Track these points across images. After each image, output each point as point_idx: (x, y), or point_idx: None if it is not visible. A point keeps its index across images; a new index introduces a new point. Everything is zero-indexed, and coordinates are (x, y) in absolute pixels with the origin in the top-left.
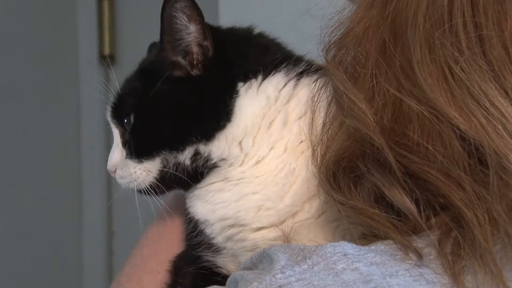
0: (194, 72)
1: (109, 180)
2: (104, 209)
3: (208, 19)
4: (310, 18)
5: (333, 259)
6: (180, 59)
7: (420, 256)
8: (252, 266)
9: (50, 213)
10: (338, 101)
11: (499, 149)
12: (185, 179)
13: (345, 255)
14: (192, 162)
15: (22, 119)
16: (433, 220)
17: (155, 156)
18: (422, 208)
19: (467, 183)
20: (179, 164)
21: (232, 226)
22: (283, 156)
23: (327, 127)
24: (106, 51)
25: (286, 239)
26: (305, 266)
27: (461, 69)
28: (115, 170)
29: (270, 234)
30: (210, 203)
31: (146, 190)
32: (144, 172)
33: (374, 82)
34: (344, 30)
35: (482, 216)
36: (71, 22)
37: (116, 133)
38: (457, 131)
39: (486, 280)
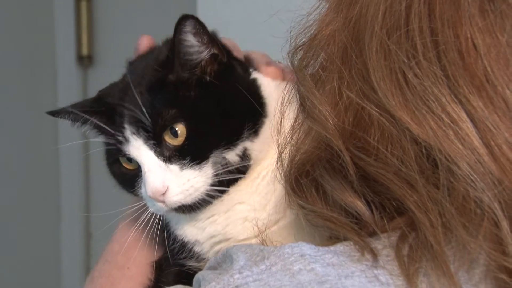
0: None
1: (87, 182)
2: (82, 211)
3: None
4: (286, 18)
5: (291, 259)
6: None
7: (375, 256)
8: (216, 265)
9: (28, 216)
10: (302, 104)
11: (450, 154)
12: (235, 178)
13: (302, 255)
14: (239, 160)
15: None
16: (388, 223)
17: (210, 158)
18: (377, 211)
19: (421, 186)
20: (226, 164)
21: (220, 242)
22: (267, 162)
23: (295, 130)
24: (84, 51)
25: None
26: (263, 267)
27: (414, 74)
28: (166, 190)
29: (254, 243)
30: (199, 220)
31: (201, 200)
32: (204, 177)
33: (336, 86)
34: (312, 33)
35: (435, 218)
36: (48, 22)
37: (148, 156)
38: (410, 134)
39: (438, 282)
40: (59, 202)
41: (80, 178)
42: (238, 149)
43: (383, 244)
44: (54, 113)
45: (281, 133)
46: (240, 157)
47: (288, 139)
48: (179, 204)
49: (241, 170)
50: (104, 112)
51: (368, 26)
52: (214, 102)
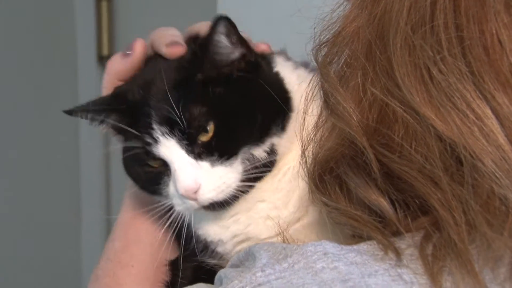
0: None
1: (108, 183)
2: (103, 212)
3: (207, 20)
4: (308, 18)
5: (313, 258)
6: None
7: (398, 255)
8: (239, 263)
9: (48, 217)
10: (326, 100)
11: (474, 151)
12: (261, 173)
13: (325, 254)
14: (267, 156)
15: (20, 120)
16: (412, 223)
17: (239, 154)
18: (401, 210)
19: (445, 183)
20: (254, 160)
21: (242, 241)
22: (289, 157)
23: (319, 127)
24: (105, 52)
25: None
26: (286, 265)
27: (439, 70)
28: (198, 188)
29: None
30: (223, 219)
31: (232, 197)
32: (235, 173)
33: (360, 82)
34: (337, 29)
35: (459, 216)
36: (69, 23)
37: (179, 155)
38: (435, 131)
39: (463, 281)
40: (79, 203)
41: (101, 179)
42: (266, 145)
43: (407, 243)
44: (71, 112)
45: (304, 130)
46: (267, 153)
47: (311, 136)
48: (211, 201)
49: (267, 165)
50: (124, 110)
51: (393, 22)
52: (241, 99)
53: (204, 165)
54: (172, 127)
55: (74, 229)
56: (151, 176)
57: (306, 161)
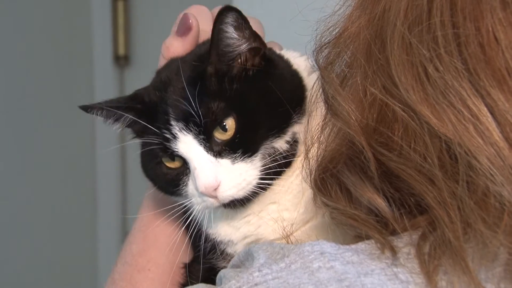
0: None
1: (124, 183)
2: (119, 212)
3: None
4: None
5: (310, 257)
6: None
7: (395, 253)
8: (239, 263)
9: (65, 217)
10: (327, 101)
11: (469, 149)
12: (282, 169)
13: (322, 253)
14: (289, 147)
15: (36, 120)
16: (409, 221)
17: (260, 150)
18: (398, 208)
19: (441, 180)
20: (275, 153)
21: (252, 242)
22: (299, 159)
23: (323, 128)
24: (121, 51)
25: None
26: (283, 265)
27: (435, 68)
28: (219, 185)
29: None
30: (235, 219)
31: (252, 193)
32: (256, 170)
33: (360, 83)
34: (338, 31)
35: (454, 213)
36: (85, 22)
37: (198, 152)
38: (431, 129)
39: (458, 279)
40: (95, 203)
41: (117, 178)
42: (288, 135)
43: (404, 242)
44: (87, 108)
45: (308, 132)
46: (289, 143)
47: (315, 138)
48: (231, 198)
49: (288, 157)
50: (140, 110)
51: (391, 21)
52: (260, 94)
53: (224, 162)
54: (188, 122)
55: (90, 229)
56: (170, 177)
57: (309, 163)
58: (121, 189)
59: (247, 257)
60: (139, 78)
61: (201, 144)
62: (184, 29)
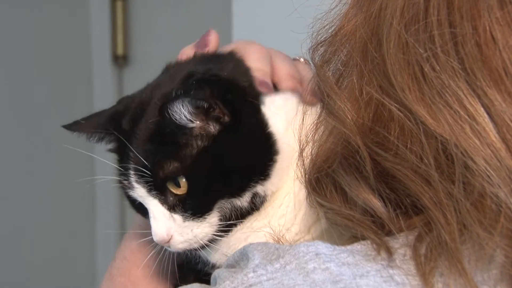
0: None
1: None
2: (117, 212)
3: (221, 19)
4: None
5: (305, 258)
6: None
7: (391, 255)
8: (234, 263)
9: (63, 218)
10: (322, 100)
11: (466, 149)
12: (240, 220)
13: (317, 254)
14: (249, 203)
15: (34, 120)
16: (404, 222)
17: (214, 208)
18: (393, 209)
19: (437, 181)
20: (235, 208)
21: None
22: (284, 189)
23: (318, 128)
24: (119, 51)
25: None
26: (278, 265)
27: (432, 67)
28: (170, 238)
29: None
30: (222, 246)
31: (206, 244)
32: (208, 227)
33: (356, 82)
34: (334, 29)
35: (450, 215)
36: (84, 22)
37: (153, 204)
38: (427, 129)
39: (453, 281)
40: (95, 203)
41: (115, 178)
42: (247, 195)
43: (400, 243)
44: (69, 127)
45: (303, 130)
46: (251, 202)
47: (309, 137)
48: (184, 250)
49: (252, 208)
50: (116, 139)
51: (387, 19)
52: (218, 155)
53: (177, 218)
54: (141, 177)
55: (89, 228)
56: (137, 204)
57: (303, 163)
58: (119, 194)
59: (242, 257)
60: (138, 78)
61: (155, 198)
62: (202, 43)
